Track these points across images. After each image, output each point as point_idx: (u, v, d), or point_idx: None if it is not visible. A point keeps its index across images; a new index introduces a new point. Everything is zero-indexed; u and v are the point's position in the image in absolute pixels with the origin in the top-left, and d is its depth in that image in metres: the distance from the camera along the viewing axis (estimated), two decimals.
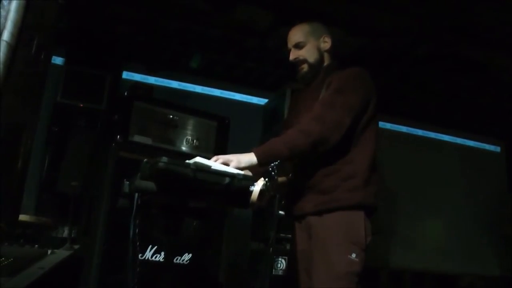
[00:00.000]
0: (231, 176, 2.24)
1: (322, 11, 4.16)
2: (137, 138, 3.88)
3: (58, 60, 4.64)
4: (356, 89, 2.61)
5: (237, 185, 2.23)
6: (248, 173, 2.48)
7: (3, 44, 1.89)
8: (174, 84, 5.37)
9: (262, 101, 5.46)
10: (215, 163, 2.37)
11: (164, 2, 4.48)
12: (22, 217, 3.50)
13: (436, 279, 5.85)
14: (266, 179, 2.15)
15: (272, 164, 2.26)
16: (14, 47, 1.91)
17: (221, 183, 2.22)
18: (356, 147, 2.61)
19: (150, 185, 2.32)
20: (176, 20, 4.70)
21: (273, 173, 2.20)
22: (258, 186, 2.13)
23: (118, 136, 3.80)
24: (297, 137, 2.46)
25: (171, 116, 4.05)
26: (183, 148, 4.05)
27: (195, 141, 4.09)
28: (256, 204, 2.13)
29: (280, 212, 2.60)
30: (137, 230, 3.20)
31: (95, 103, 4.45)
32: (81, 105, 4.43)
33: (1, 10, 1.99)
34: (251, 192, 2.13)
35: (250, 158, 2.41)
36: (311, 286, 2.54)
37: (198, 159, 2.29)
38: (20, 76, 2.00)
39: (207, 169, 2.27)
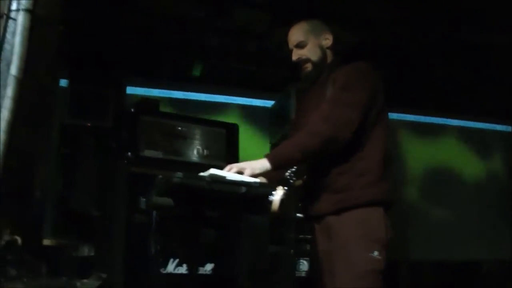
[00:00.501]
0: (247, 185, 2.25)
1: (318, 8, 4.15)
2: (148, 153, 3.89)
3: (62, 82, 4.65)
4: (362, 84, 2.59)
5: (253, 193, 2.24)
6: (263, 179, 2.50)
7: (12, 78, 1.91)
8: (178, 94, 5.39)
9: (267, 103, 5.46)
10: (230, 173, 2.37)
11: (160, 14, 4.50)
12: (43, 242, 3.52)
13: (456, 268, 5.82)
14: (285, 187, 2.14)
15: (289, 171, 2.27)
16: (22, 80, 1.92)
17: (238, 193, 2.23)
18: (368, 143, 2.59)
19: (167, 201, 2.33)
20: (174, 31, 4.72)
21: (291, 180, 2.20)
22: (278, 195, 2.13)
23: (129, 153, 3.80)
24: (307, 139, 2.46)
25: (179, 128, 4.05)
26: (194, 159, 4.05)
27: (205, 150, 4.09)
28: (277, 213, 2.13)
29: (298, 214, 2.60)
30: (158, 247, 3.24)
31: (101, 121, 4.46)
32: (88, 124, 4.44)
33: (6, 44, 2.01)
34: (271, 201, 2.13)
35: (263, 164, 2.42)
36: (334, 287, 2.53)
37: (213, 171, 2.29)
38: (29, 107, 2.01)
39: (223, 180, 2.27)
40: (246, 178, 2.36)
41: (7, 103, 1.86)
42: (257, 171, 2.40)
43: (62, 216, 4.31)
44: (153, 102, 4.35)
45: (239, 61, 5.17)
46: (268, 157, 2.42)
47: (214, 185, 2.21)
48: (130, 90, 5.05)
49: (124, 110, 4.50)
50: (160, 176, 2.23)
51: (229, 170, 2.41)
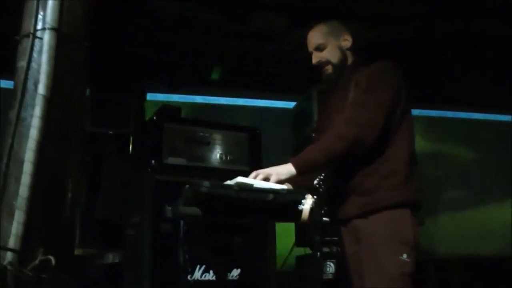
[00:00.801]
0: (275, 192, 2.24)
1: (335, 7, 4.13)
2: (171, 160, 3.89)
3: None
4: (385, 85, 2.58)
5: (281, 200, 2.23)
6: (288, 185, 2.49)
7: (39, 97, 1.92)
8: (198, 99, 5.40)
9: (287, 104, 5.44)
10: (256, 181, 2.37)
11: (178, 19, 4.49)
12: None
13: (481, 264, 5.76)
14: (315, 196, 2.14)
15: (318, 179, 2.26)
16: (50, 99, 1.93)
17: (265, 200, 2.23)
18: (393, 144, 2.58)
19: (194, 210, 2.33)
20: (192, 36, 4.72)
21: (320, 189, 2.19)
22: (307, 205, 2.13)
23: (153, 161, 3.81)
24: (332, 143, 2.46)
25: (201, 134, 4.05)
26: (217, 165, 4.04)
27: (228, 156, 4.08)
28: (307, 222, 2.12)
29: (324, 218, 2.59)
30: (186, 257, 3.24)
31: (123, 128, 4.49)
32: (110, 132, 4.47)
33: (33, 63, 2.02)
34: (301, 210, 2.13)
35: (288, 169, 2.42)
36: None
37: (239, 179, 2.30)
38: (57, 123, 2.02)
39: (250, 187, 2.27)
40: (272, 185, 2.36)
41: (36, 122, 1.87)
42: (283, 177, 2.41)
43: (86, 224, 4.34)
44: (175, 109, 4.35)
45: (259, 64, 5.15)
46: (294, 162, 2.43)
47: (241, 193, 2.22)
48: (150, 96, 5.06)
49: (145, 118, 4.52)
50: (187, 186, 2.23)
51: (255, 177, 2.41)
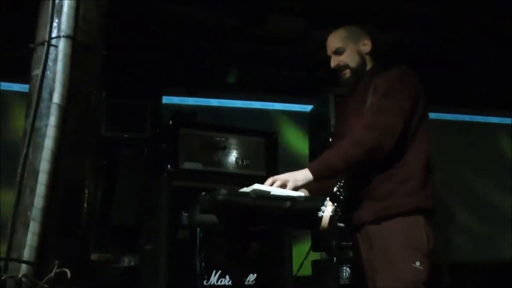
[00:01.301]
0: (292, 199, 2.22)
1: (351, 10, 4.10)
2: (187, 165, 3.88)
3: None
4: (403, 90, 2.57)
5: (299, 208, 2.20)
6: (305, 191, 2.47)
7: (55, 107, 1.90)
8: (214, 102, 5.38)
9: (304, 107, 5.41)
10: (273, 188, 2.36)
11: (194, 24, 4.48)
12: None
13: (499, 267, 5.66)
14: (335, 204, 2.11)
15: (338, 186, 2.24)
16: (65, 108, 1.91)
17: (283, 208, 2.20)
18: (410, 149, 2.57)
19: (211, 218, 2.32)
20: (208, 40, 4.70)
21: (341, 196, 2.17)
22: (327, 212, 2.10)
23: (169, 166, 3.80)
24: (350, 148, 2.44)
25: (217, 138, 4.04)
26: (234, 169, 4.03)
27: (244, 161, 4.07)
28: (326, 230, 2.10)
29: (340, 224, 2.57)
30: (203, 264, 3.22)
31: (138, 132, 4.48)
32: (126, 136, 4.46)
33: (48, 71, 2.00)
34: (321, 217, 2.10)
35: (305, 175, 2.40)
36: None
37: (256, 186, 2.28)
38: (73, 133, 2.00)
39: (267, 195, 2.26)
40: (290, 192, 2.34)
41: (51, 132, 1.85)
42: (300, 183, 2.39)
43: (102, 228, 4.34)
44: (190, 113, 4.34)
45: (275, 67, 5.13)
46: (311, 167, 2.41)
47: (258, 201, 2.19)
48: (166, 99, 5.05)
49: (161, 122, 4.51)
50: (204, 193, 2.22)
51: (271, 183, 2.39)
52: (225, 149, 4.05)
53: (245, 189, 2.30)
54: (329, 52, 2.83)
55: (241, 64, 5.09)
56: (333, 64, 2.80)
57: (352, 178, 2.65)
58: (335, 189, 2.41)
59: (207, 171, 3.93)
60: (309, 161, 4.71)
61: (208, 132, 4.08)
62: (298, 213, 2.22)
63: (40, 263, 1.74)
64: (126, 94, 4.56)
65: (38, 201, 1.81)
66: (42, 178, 1.82)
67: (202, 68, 5.12)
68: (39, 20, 2.14)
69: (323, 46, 2.87)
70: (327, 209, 2.16)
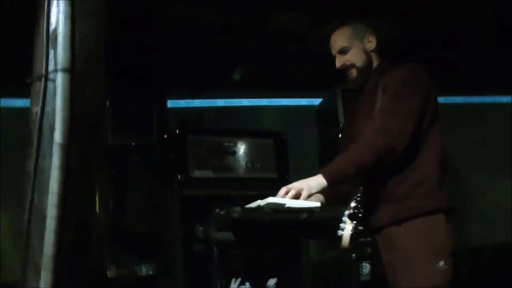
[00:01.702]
0: (308, 211, 2.20)
1: (354, 4, 4.01)
2: (198, 173, 3.82)
3: None
4: (414, 90, 2.51)
5: (316, 219, 2.20)
6: (319, 196, 2.42)
7: (57, 146, 1.81)
8: (220, 102, 5.29)
9: (311, 101, 5.33)
10: (288, 200, 2.33)
11: (196, 23, 4.39)
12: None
13: None
14: (354, 221, 2.08)
15: (355, 201, 2.21)
16: (68, 146, 1.83)
17: (299, 219, 2.18)
18: (424, 149, 2.52)
19: (227, 235, 2.30)
20: (211, 39, 4.61)
21: (359, 214, 2.14)
22: (347, 231, 2.08)
23: (179, 175, 3.74)
24: (362, 152, 2.41)
25: (226, 143, 3.97)
26: (245, 174, 3.96)
27: (255, 164, 4.00)
28: (348, 248, 2.08)
29: (359, 227, 2.53)
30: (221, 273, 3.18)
31: (146, 138, 4.41)
32: (133, 143, 4.39)
33: (47, 107, 1.91)
34: (341, 237, 2.08)
35: (319, 181, 2.37)
36: None
37: (270, 200, 2.26)
38: (79, 170, 1.92)
39: (282, 208, 2.23)
40: (305, 202, 2.31)
41: (55, 174, 1.76)
42: (314, 190, 2.37)
43: (115, 241, 4.29)
44: (197, 119, 4.27)
45: (280, 64, 5.03)
46: (324, 173, 2.37)
47: (274, 215, 2.16)
48: (171, 103, 4.97)
49: (168, 127, 4.44)
50: (217, 210, 2.18)
51: (285, 193, 2.36)
52: (234, 154, 3.98)
53: (259, 202, 2.27)
54: (333, 51, 2.78)
55: (246, 62, 4.99)
56: (338, 64, 2.75)
57: (367, 182, 2.58)
58: (352, 204, 2.35)
59: (218, 178, 3.87)
60: (320, 157, 4.65)
61: (216, 137, 4.01)
62: (315, 223, 2.23)
63: None
64: (131, 100, 4.47)
65: (48, 248, 1.74)
66: (51, 224, 1.74)
67: (206, 68, 5.02)
68: (35, 51, 2.05)
69: (328, 41, 2.80)
70: (347, 228, 2.16)
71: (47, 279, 1.72)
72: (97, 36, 2.08)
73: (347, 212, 2.16)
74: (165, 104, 4.79)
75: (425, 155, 2.51)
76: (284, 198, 2.30)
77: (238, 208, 2.13)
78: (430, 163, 2.51)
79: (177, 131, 3.91)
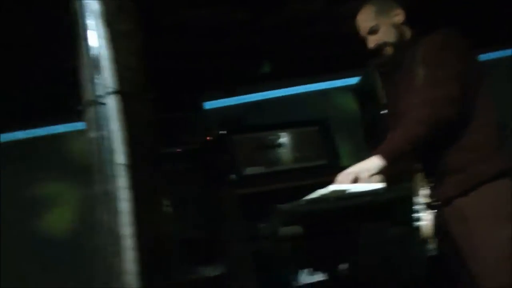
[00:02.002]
0: (372, 193, 2.20)
1: None
2: (250, 171, 3.84)
3: None
4: (452, 55, 2.46)
5: (382, 200, 2.22)
6: (377, 177, 2.39)
7: (120, 168, 1.85)
8: (257, 96, 5.29)
9: (347, 82, 5.28)
10: (349, 185, 2.32)
11: (213, 26, 4.39)
12: None
13: None
14: (431, 210, 2.07)
15: (431, 190, 2.20)
16: (131, 166, 1.86)
17: (365, 204, 2.21)
18: (475, 113, 2.46)
19: (293, 229, 2.28)
20: (233, 36, 4.61)
21: (435, 204, 2.14)
22: (427, 220, 2.08)
23: (232, 175, 3.76)
24: (413, 128, 2.36)
25: (271, 137, 3.98)
26: (296, 165, 3.96)
27: (303, 153, 4.00)
28: (430, 237, 2.07)
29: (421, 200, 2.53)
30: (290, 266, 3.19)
31: (189, 144, 4.45)
32: (178, 150, 4.44)
33: (103, 132, 1.95)
34: (422, 226, 2.07)
35: (376, 162, 2.34)
36: (474, 271, 2.43)
37: (332, 188, 2.25)
38: (144, 187, 1.96)
39: (346, 195, 2.20)
40: (366, 185, 2.29)
41: (124, 194, 1.80)
42: (373, 172, 2.33)
43: (179, 250, 4.34)
44: (237, 118, 4.29)
45: (308, 48, 4.99)
46: (379, 154, 2.34)
47: (339, 203, 2.18)
48: (209, 105, 5.00)
49: (209, 130, 4.47)
50: (280, 206, 2.17)
51: (344, 180, 2.35)
52: (281, 146, 3.98)
53: (320, 192, 2.26)
54: (362, 33, 2.73)
55: (272, 53, 4.97)
56: (371, 44, 2.70)
57: (426, 156, 2.56)
58: (426, 191, 2.34)
59: (269, 173, 3.88)
60: (364, 137, 4.61)
61: (260, 132, 4.02)
62: (382, 205, 2.24)
63: None
64: (168, 107, 4.52)
65: (130, 266, 1.77)
66: (128, 243, 1.78)
67: (234, 66, 5.02)
68: (81, 78, 2.09)
69: (348, 18, 2.76)
70: (426, 217, 2.14)
71: None
72: (137, 54, 2.10)
73: (423, 200, 2.15)
74: (202, 107, 4.83)
75: (478, 118, 2.46)
76: (344, 184, 2.29)
77: (302, 201, 2.14)
78: (484, 126, 2.46)
79: (222, 132, 3.93)
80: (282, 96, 5.37)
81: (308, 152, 3.99)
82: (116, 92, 1.92)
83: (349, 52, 4.80)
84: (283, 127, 4.06)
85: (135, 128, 1.92)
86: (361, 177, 2.33)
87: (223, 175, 3.86)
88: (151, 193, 1.90)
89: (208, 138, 4.46)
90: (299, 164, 3.93)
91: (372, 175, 2.33)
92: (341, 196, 2.20)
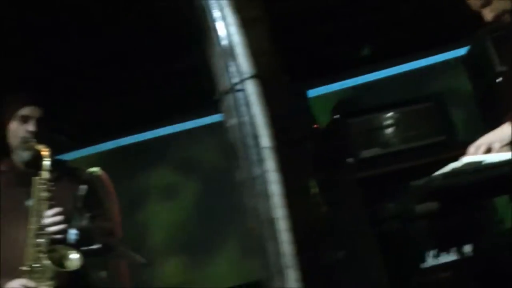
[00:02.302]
0: (510, 163, 2.08)
1: None
2: (366, 154, 3.74)
3: None
4: None
5: None
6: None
7: (267, 151, 1.85)
8: (361, 80, 5.20)
9: (453, 54, 5.09)
10: (482, 156, 2.19)
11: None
12: None
13: None
14: None
15: None
16: (277, 148, 1.86)
17: (504, 174, 2.05)
18: None
19: (429, 206, 2.20)
20: (329, 23, 4.55)
21: None
22: None
23: (350, 160, 3.70)
24: None
25: (385, 118, 3.86)
26: (413, 143, 3.82)
27: (420, 131, 3.86)
28: None
29: None
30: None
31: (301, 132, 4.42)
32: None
33: (244, 117, 1.96)
34: None
35: (508, 130, 2.18)
36: None
37: (465, 160, 2.12)
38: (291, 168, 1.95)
39: (481, 166, 2.10)
40: (500, 155, 2.18)
41: (273, 176, 1.80)
42: (507, 141, 2.22)
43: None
44: (351, 101, 4.23)
45: (410, 26, 4.85)
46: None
47: (476, 175, 2.02)
48: (311, 93, 4.97)
49: (315, 117, 4.44)
50: (413, 183, 2.10)
51: (476, 151, 2.23)
52: (395, 126, 3.86)
53: (454, 165, 2.16)
54: (475, 8, 2.60)
55: (372, 35, 4.87)
56: (489, 17, 2.56)
57: None
58: None
59: (387, 154, 3.76)
60: (480, 107, 4.42)
61: (373, 114, 3.91)
62: None
63: None
64: None
65: (286, 248, 1.77)
66: (282, 224, 1.77)
67: (334, 49, 4.96)
68: (213, 68, 2.11)
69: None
70: None
71: (293, 276, 1.75)
72: (267, 37, 2.10)
73: None
74: (306, 96, 4.81)
75: None
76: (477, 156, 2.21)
77: (436, 176, 1.98)
78: None
79: (335, 117, 3.87)
80: (388, 77, 5.25)
81: (424, 129, 3.83)
82: (253, 77, 1.91)
83: (452, 24, 4.66)
84: (396, 106, 3.93)
85: (276, 111, 1.92)
86: (494, 147, 2.22)
87: (340, 160, 3.80)
88: (299, 174, 1.88)
89: (315, 126, 4.44)
90: (416, 142, 3.78)
91: (506, 144, 2.24)
92: (476, 168, 2.10)
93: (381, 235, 3.59)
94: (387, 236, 3.56)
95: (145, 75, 3.88)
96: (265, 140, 1.83)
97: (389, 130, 3.88)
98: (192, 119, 5.02)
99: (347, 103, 4.29)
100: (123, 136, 4.91)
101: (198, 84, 3.59)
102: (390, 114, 3.88)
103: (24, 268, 1.99)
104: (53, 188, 2.07)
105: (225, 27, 2.02)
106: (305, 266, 1.79)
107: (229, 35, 2.00)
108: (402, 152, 3.78)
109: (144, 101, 4.35)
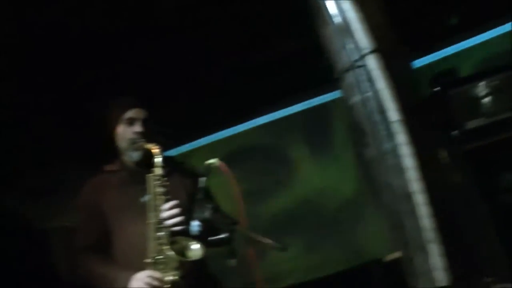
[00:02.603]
0: None
1: None
2: (471, 124, 3.61)
3: None
4: None
5: None
6: None
7: (397, 124, 1.81)
8: (450, 50, 5.03)
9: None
10: None
11: None
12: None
13: None
14: None
15: None
16: (407, 121, 1.81)
17: None
18: None
19: None
20: None
21: None
22: None
23: (455, 132, 3.57)
24: None
25: (485, 86, 3.71)
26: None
27: None
28: None
29: None
30: None
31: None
32: None
33: (368, 94, 1.92)
34: None
35: None
36: None
37: None
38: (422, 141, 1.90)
39: None
40: None
41: (405, 150, 1.76)
42: None
43: None
44: (450, 72, 4.08)
45: None
46: None
47: None
48: None
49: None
50: None
51: None
52: (499, 93, 3.71)
53: None
54: None
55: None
56: None
57: None
58: None
59: (492, 123, 3.61)
60: None
61: (472, 83, 3.77)
62: None
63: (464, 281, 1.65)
64: None
65: (425, 222, 1.73)
66: (419, 198, 1.73)
67: (425, 22, 4.81)
68: (328, 47, 2.07)
69: None
70: None
71: (435, 250, 1.71)
72: (381, 10, 2.05)
73: None
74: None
75: None
76: None
77: None
78: None
79: (435, 89, 3.74)
80: (478, 44, 5.06)
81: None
82: (374, 51, 1.87)
83: None
84: (494, 72, 3.77)
85: (400, 83, 1.87)
86: None
87: (443, 133, 3.68)
88: (429, 145, 1.83)
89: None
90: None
91: None
92: None
93: (496, 208, 3.46)
94: (504, 209, 3.43)
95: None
96: (393, 114, 1.78)
97: (491, 98, 3.73)
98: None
99: (444, 74, 4.13)
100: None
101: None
102: (490, 81, 3.73)
103: (148, 260, 2.02)
104: (167, 183, 2.10)
105: (337, 4, 1.98)
106: (447, 240, 1.74)
107: (342, 11, 1.95)
108: (506, 120, 3.63)
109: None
